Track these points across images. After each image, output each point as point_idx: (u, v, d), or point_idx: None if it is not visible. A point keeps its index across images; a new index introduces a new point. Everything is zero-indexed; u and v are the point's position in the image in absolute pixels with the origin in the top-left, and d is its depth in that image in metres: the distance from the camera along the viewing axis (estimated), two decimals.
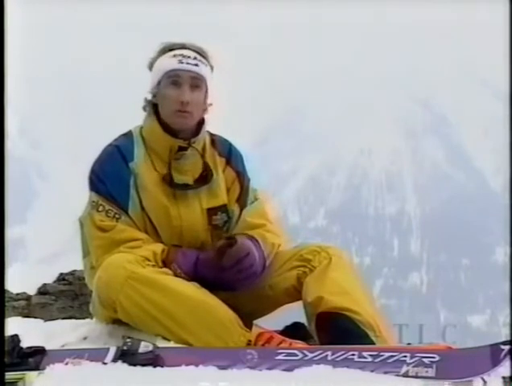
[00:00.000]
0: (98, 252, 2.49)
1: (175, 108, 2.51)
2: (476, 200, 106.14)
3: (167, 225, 2.54)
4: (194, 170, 2.58)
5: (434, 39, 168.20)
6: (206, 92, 2.57)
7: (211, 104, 2.61)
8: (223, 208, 2.62)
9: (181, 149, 2.55)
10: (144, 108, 2.61)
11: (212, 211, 2.60)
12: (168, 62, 2.53)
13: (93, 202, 2.52)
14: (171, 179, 2.53)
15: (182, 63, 2.52)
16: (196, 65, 2.53)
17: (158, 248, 2.47)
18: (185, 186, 2.55)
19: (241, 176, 2.69)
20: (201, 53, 2.57)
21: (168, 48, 2.56)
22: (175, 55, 2.53)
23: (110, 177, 2.52)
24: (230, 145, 2.73)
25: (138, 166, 2.54)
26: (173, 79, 2.51)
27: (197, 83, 2.53)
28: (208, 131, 2.66)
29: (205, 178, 2.58)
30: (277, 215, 2.73)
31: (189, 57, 2.53)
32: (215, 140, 2.69)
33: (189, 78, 2.51)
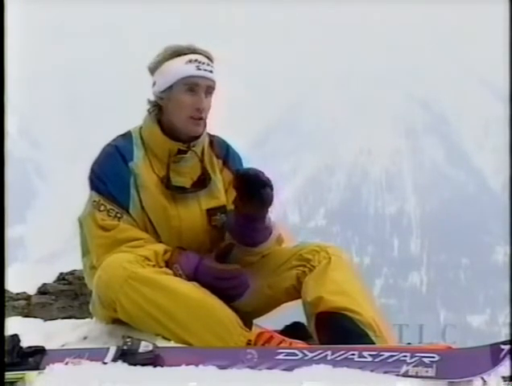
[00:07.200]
0: (99, 251, 2.48)
1: (190, 114, 2.49)
2: (476, 200, 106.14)
3: (166, 225, 2.53)
4: (192, 174, 2.57)
5: (434, 38, 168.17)
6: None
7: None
8: (222, 209, 2.61)
9: (180, 152, 2.54)
10: (149, 111, 2.59)
11: (211, 212, 2.59)
12: (185, 68, 2.50)
13: (94, 201, 2.51)
14: (169, 181, 2.53)
15: (200, 69, 2.50)
16: (211, 72, 2.53)
17: (161, 248, 2.46)
18: (182, 189, 2.54)
19: None
20: (210, 58, 2.57)
21: (178, 52, 2.53)
22: (190, 61, 2.50)
23: (110, 177, 2.51)
24: (228, 146, 2.72)
25: (137, 166, 2.53)
26: (190, 86, 2.49)
27: (211, 90, 2.54)
28: (207, 132, 2.64)
29: (203, 181, 2.58)
30: (279, 214, 2.73)
31: (204, 63, 2.52)
32: (213, 141, 2.68)
33: (205, 85, 2.51)
